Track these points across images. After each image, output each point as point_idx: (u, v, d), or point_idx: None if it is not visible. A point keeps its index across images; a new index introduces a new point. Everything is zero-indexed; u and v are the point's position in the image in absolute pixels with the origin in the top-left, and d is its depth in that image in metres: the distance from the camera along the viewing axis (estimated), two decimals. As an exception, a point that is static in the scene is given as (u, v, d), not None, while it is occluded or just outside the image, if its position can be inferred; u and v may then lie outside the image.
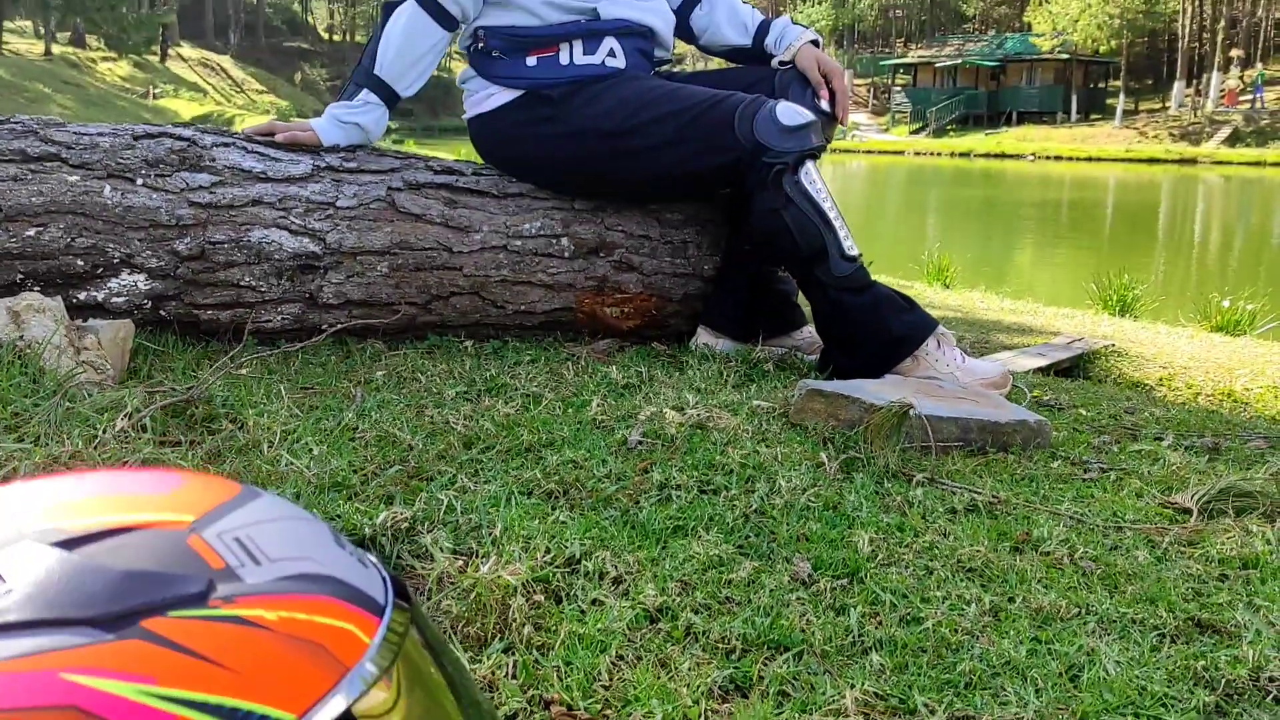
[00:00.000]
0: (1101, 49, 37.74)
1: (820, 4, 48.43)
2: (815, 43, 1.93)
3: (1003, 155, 36.53)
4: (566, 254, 1.86)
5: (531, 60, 1.83)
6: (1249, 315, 5.47)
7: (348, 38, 71.08)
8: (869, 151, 40.06)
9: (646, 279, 1.92)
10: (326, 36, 70.68)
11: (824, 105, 1.85)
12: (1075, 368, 4.58)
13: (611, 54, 1.85)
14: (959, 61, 44.01)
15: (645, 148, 1.79)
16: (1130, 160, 33.42)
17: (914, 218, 17.24)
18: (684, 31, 2.08)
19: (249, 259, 1.66)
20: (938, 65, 44.93)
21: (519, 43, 1.82)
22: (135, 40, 18.55)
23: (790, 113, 1.72)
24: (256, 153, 1.74)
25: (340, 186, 1.74)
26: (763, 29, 1.98)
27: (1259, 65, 39.05)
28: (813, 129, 1.73)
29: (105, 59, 33.82)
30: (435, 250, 1.78)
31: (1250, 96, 36.43)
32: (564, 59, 1.83)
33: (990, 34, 50.49)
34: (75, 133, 1.64)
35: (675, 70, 2.04)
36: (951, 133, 41.86)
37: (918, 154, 38.47)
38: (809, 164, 1.74)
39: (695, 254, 1.96)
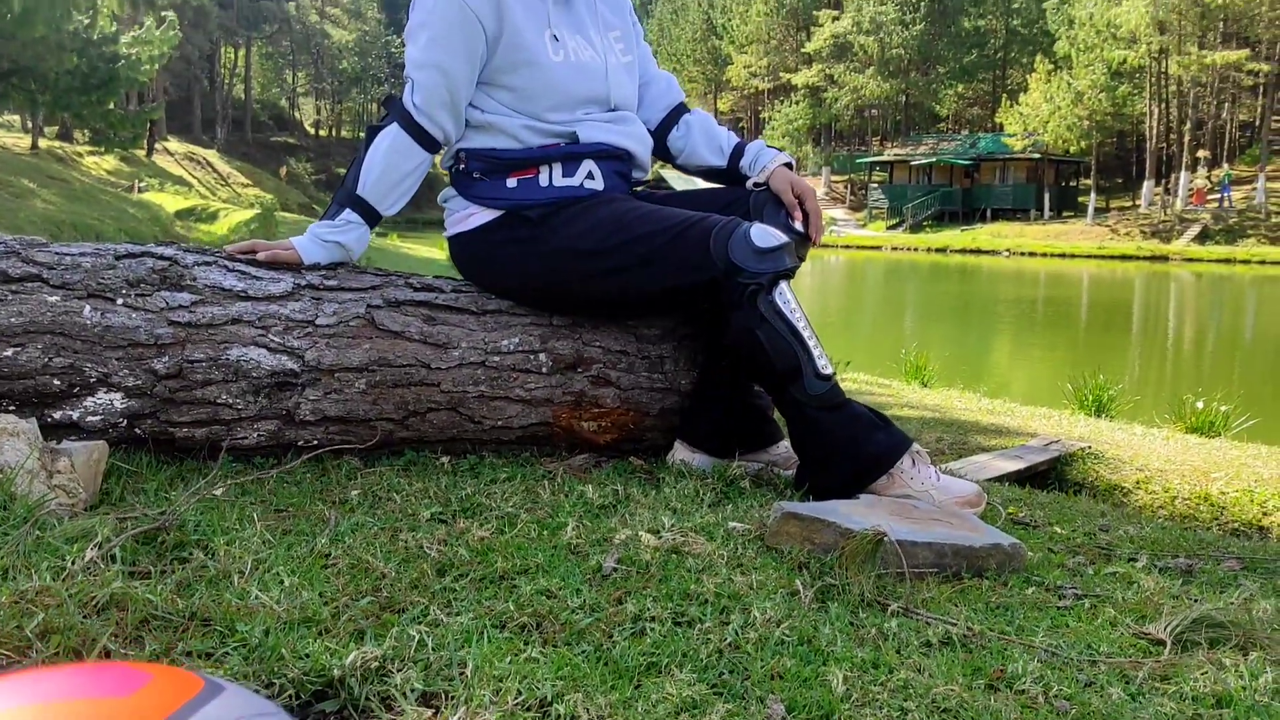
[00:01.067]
0: (1072, 149, 38.76)
1: (798, 104, 49.68)
2: (789, 165, 1.98)
3: (978, 251, 37.20)
4: (544, 369, 1.88)
5: (512, 182, 1.88)
6: (1222, 416, 5.54)
7: (333, 133, 72.28)
8: (847, 246, 40.71)
9: (624, 394, 1.94)
10: (312, 131, 71.84)
11: (798, 226, 1.90)
12: (1052, 470, 4.61)
13: (590, 176, 1.90)
14: (934, 160, 45.09)
15: (623, 267, 1.82)
16: (1103, 257, 34.08)
17: (893, 313, 17.45)
18: (662, 151, 2.14)
19: (226, 377, 1.67)
20: (913, 163, 46.01)
21: (499, 165, 1.87)
22: (123, 136, 18.76)
23: (764, 235, 1.76)
24: (238, 271, 1.76)
25: (320, 304, 1.76)
26: (738, 151, 2.05)
27: (1225, 165, 40.16)
28: (786, 250, 1.77)
29: (92, 153, 34.19)
30: (413, 366, 1.79)
31: (1218, 195, 37.38)
32: (543, 181, 1.88)
33: (964, 133, 51.84)
34: (57, 253, 1.65)
35: (652, 189, 2.09)
36: (928, 229, 42.64)
37: (895, 249, 39.11)
38: (783, 284, 1.78)
39: (672, 369, 1.98)
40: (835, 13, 50.00)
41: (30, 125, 32.21)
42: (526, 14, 1.86)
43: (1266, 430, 5.91)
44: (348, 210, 1.84)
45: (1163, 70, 38.60)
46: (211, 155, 51.44)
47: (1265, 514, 4.01)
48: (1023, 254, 35.85)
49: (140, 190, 28.28)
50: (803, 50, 51.62)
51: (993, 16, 49.07)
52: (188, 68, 49.42)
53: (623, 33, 2.06)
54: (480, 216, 1.90)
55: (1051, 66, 39.11)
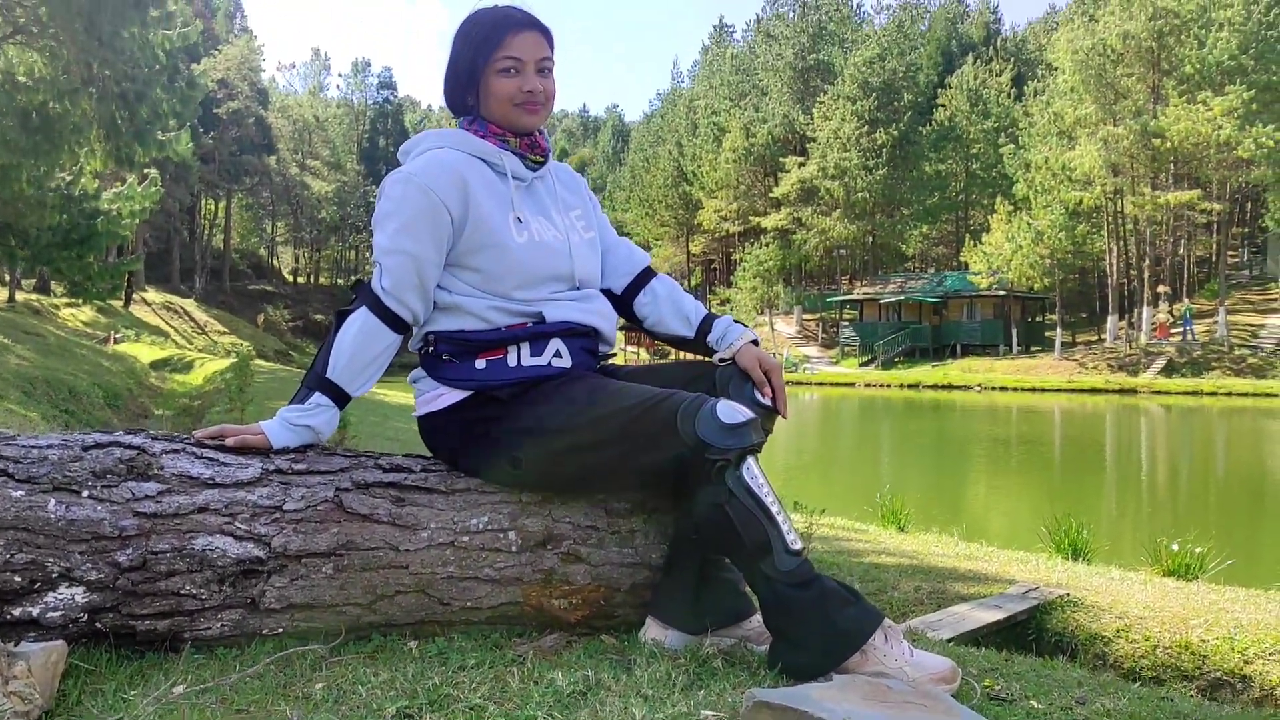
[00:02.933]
0: (1036, 286, 39.72)
1: (768, 245, 50.89)
2: (755, 342, 2.03)
3: (950, 386, 37.61)
4: (513, 548, 1.87)
5: (480, 363, 1.91)
6: (1198, 558, 5.53)
7: (311, 280, 73.16)
8: (821, 384, 41.08)
9: (594, 569, 1.93)
10: (290, 279, 72.72)
11: (765, 400, 1.93)
12: (1032, 619, 4.57)
13: (558, 354, 1.94)
14: (902, 298, 46.03)
15: (591, 444, 1.84)
16: (1073, 390, 34.51)
17: (869, 452, 17.50)
18: (628, 315, 2.19)
19: (191, 567, 1.65)
20: (882, 301, 46.93)
21: (467, 347, 1.91)
22: (101, 288, 18.89)
23: (731, 411, 1.78)
24: (206, 458, 1.76)
25: (288, 489, 1.76)
26: (706, 323, 2.09)
27: (1185, 300, 41.24)
28: (753, 426, 1.79)
29: (69, 304, 34.40)
30: (381, 549, 1.78)
31: (1180, 329, 38.21)
32: (511, 361, 1.91)
33: (931, 271, 53.12)
34: (24, 446, 1.65)
35: (617, 366, 2.12)
36: (899, 365, 43.19)
37: (868, 385, 39.49)
38: (750, 459, 1.80)
39: (642, 542, 1.98)
40: (801, 159, 51.77)
41: (8, 279, 32.44)
42: (490, 198, 1.93)
43: (1243, 571, 5.90)
44: (317, 394, 1.87)
45: (1119, 210, 39.99)
46: (189, 304, 51.85)
47: (1246, 662, 3.98)
48: (994, 389, 36.26)
49: (116, 341, 28.32)
50: (771, 195, 53.19)
51: (953, 161, 50.95)
52: (168, 220, 50.23)
53: (582, 210, 2.13)
54: (449, 397, 1.93)
55: (1011, 207, 40.47)
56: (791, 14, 60.86)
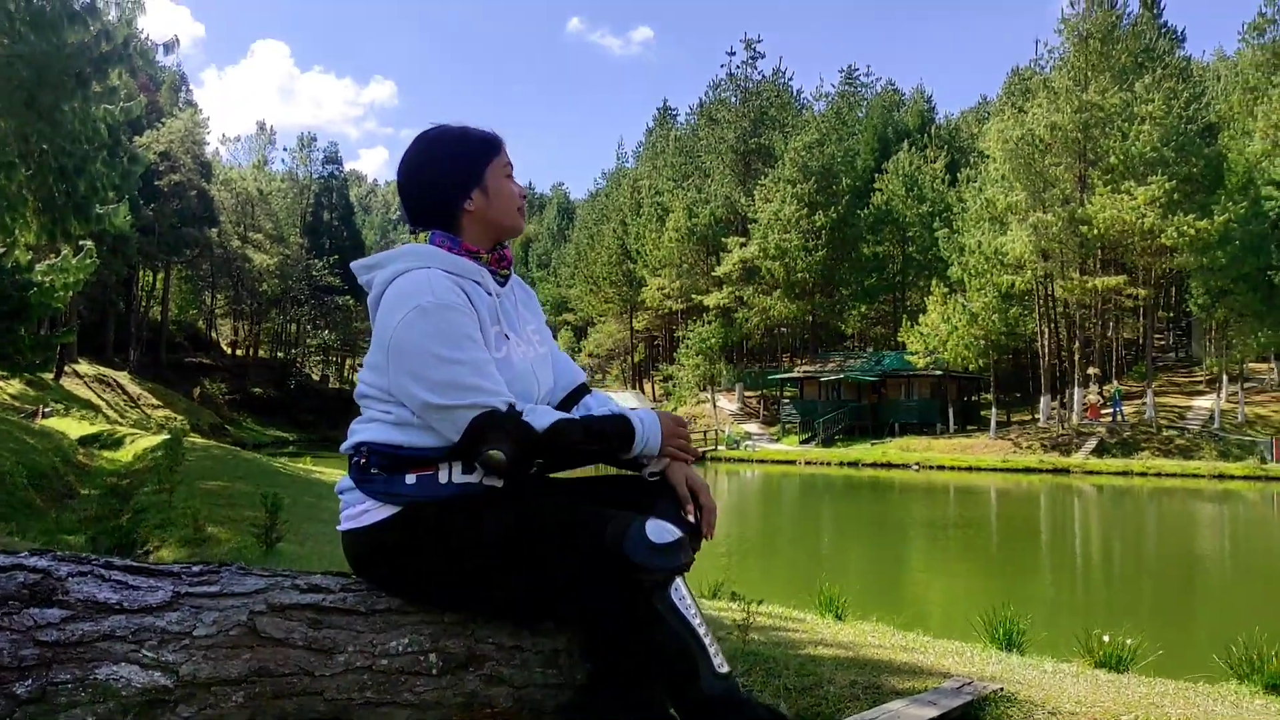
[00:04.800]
0: (971, 366, 40.46)
1: (710, 323, 51.35)
2: None
3: (889, 465, 37.96)
4: (434, 670, 1.83)
5: (410, 478, 1.87)
6: (1129, 650, 5.58)
7: (250, 353, 72.10)
8: (762, 461, 41.24)
9: (517, 692, 1.89)
10: (229, 351, 71.62)
11: (691, 519, 1.92)
12: (966, 716, 4.56)
13: (489, 473, 1.91)
14: (841, 376, 46.59)
15: (518, 565, 1.81)
16: (1008, 470, 35.01)
17: (809, 534, 17.50)
18: None
19: (93, 698, 1.59)
20: (822, 379, 47.47)
21: (399, 462, 1.87)
22: (31, 361, 18.44)
23: (660, 531, 1.77)
24: (114, 581, 1.71)
25: (199, 614, 1.71)
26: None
27: (1115, 382, 42.22)
28: (682, 547, 1.78)
29: (-3, 377, 33.48)
30: (296, 675, 1.73)
31: (1111, 410, 39.09)
32: (443, 477, 1.88)
33: (869, 350, 53.94)
34: (-80, 574, 1.59)
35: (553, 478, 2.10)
36: (839, 443, 43.55)
37: (809, 463, 39.71)
38: (679, 580, 1.78)
39: (567, 662, 1.94)
40: (742, 239, 52.62)
41: (-68, 350, 31.52)
42: (486, 312, 1.92)
43: (1173, 656, 5.97)
44: None
45: (1049, 293, 41.11)
46: (122, 377, 50.77)
47: (1177, 760, 3.99)
48: (932, 467, 36.68)
49: (45, 416, 27.57)
50: (713, 273, 53.87)
51: (890, 243, 52.15)
52: (104, 291, 49.37)
53: (536, 325, 2.12)
54: (376, 513, 1.88)
55: (946, 289, 41.38)
56: (734, 99, 62.38)
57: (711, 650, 1.76)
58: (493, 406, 1.81)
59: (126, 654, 1.63)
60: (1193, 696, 4.79)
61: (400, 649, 1.82)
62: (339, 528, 1.97)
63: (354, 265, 2.01)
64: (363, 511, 1.90)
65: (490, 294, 1.96)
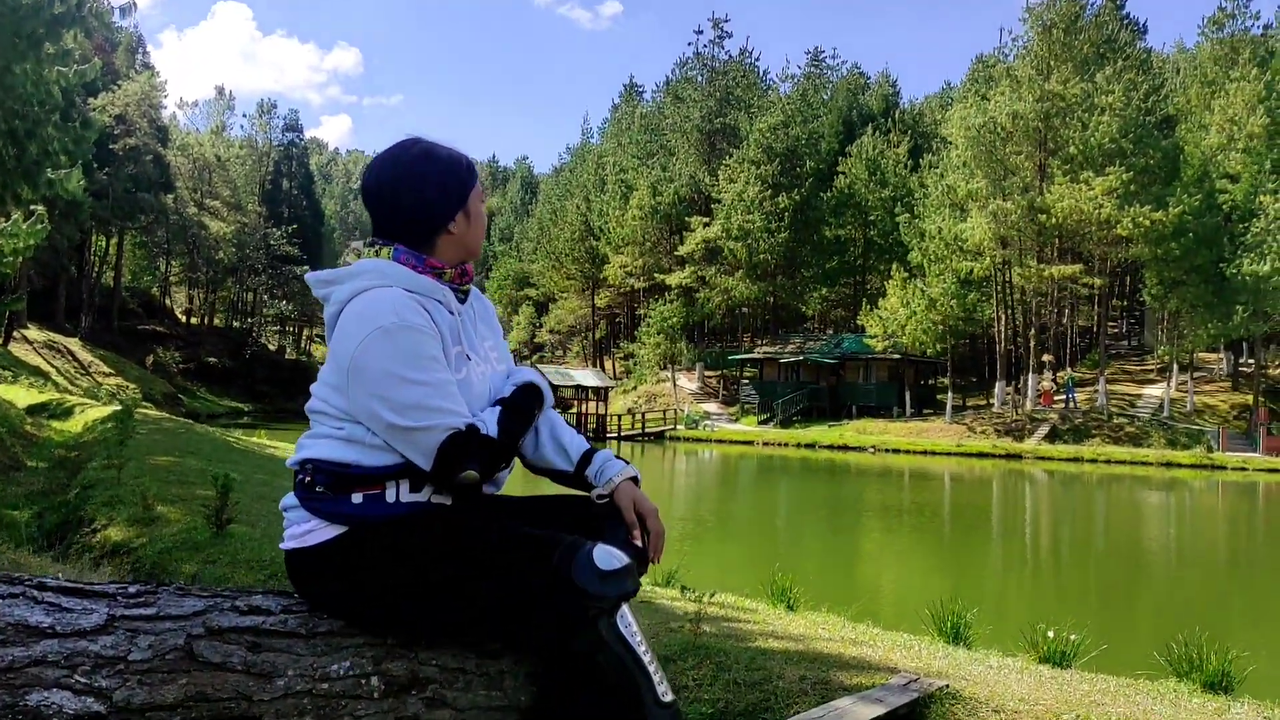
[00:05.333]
0: (929, 350, 40.85)
1: (672, 302, 51.38)
2: (635, 479, 2.01)
3: (845, 447, 38.34)
4: (375, 694, 1.81)
5: (357, 497, 1.84)
6: (1073, 645, 5.68)
7: (205, 321, 71.11)
8: (721, 441, 41.45)
9: (460, 715, 1.87)
10: (184, 320, 70.56)
11: (637, 543, 1.91)
12: (913, 713, 4.62)
13: (437, 491, 1.89)
14: (801, 358, 46.89)
15: (463, 588, 1.79)
16: (962, 455, 35.48)
17: (765, 517, 17.62)
18: None
19: (23, 726, 1.55)
20: (782, 361, 47.75)
21: (345, 480, 1.84)
22: (-23, 329, 18.10)
23: (607, 557, 1.76)
24: (47, 603, 1.66)
25: (135, 638, 1.67)
26: (585, 457, 2.06)
27: (1069, 369, 42.87)
28: (628, 573, 1.77)
29: (-57, 345, 32.77)
30: (234, 700, 1.70)
31: (1064, 397, 39.70)
32: (390, 497, 1.85)
33: (829, 333, 54.29)
34: None
35: (503, 496, 2.07)
36: (797, 424, 43.86)
37: (766, 444, 39.98)
38: (624, 607, 1.78)
39: (511, 684, 1.93)
40: (706, 219, 52.65)
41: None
42: (448, 332, 1.89)
43: (1115, 657, 6.09)
44: None
45: (1007, 280, 41.55)
46: (73, 344, 49.90)
47: (1115, 762, 4.07)
48: (887, 450, 37.08)
49: (-10, 383, 27.03)
50: (676, 253, 53.87)
51: (852, 227, 52.42)
52: (55, 257, 48.37)
53: (494, 341, 2.09)
54: (321, 533, 1.85)
55: (906, 274, 41.71)
56: (700, 78, 62.22)
57: (656, 678, 1.76)
58: (458, 427, 1.80)
59: (59, 680, 1.59)
60: (1133, 695, 4.88)
61: (341, 672, 1.80)
62: (282, 545, 1.93)
63: (309, 278, 1.96)
64: (307, 531, 1.87)
65: (452, 313, 1.93)
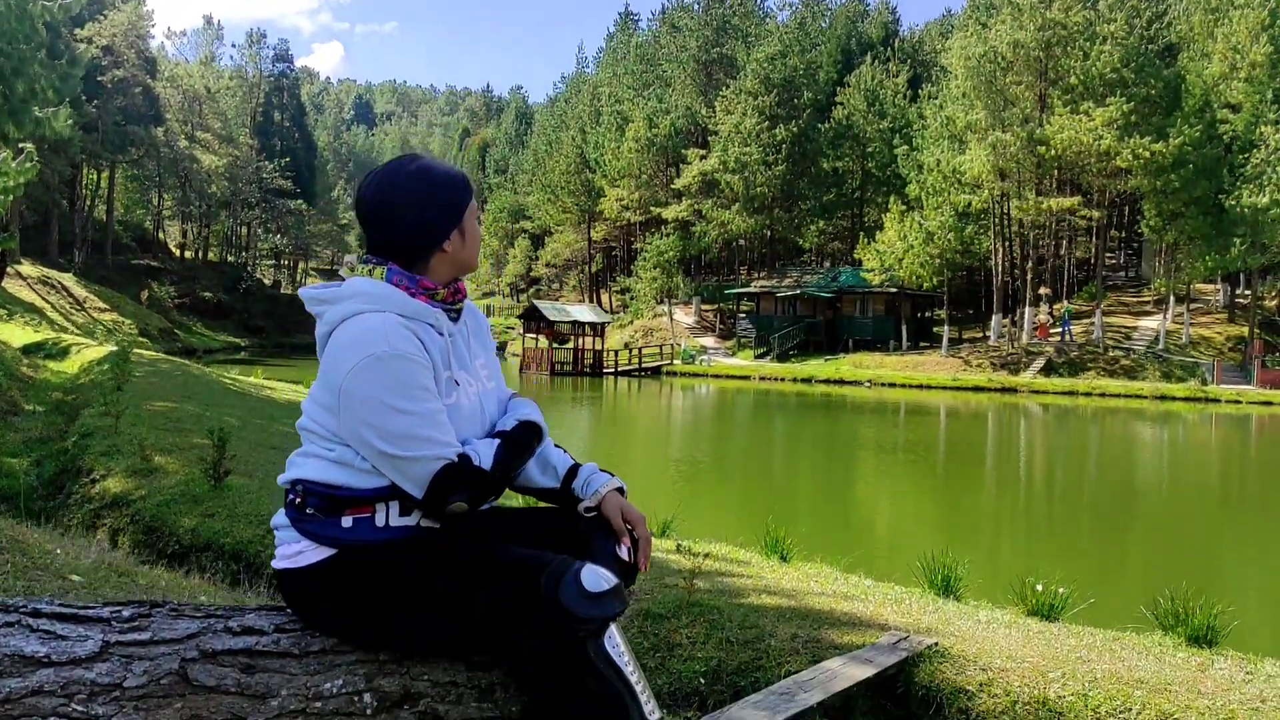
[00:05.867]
0: (925, 285, 40.76)
1: (668, 236, 51.12)
2: (621, 490, 2.02)
3: (841, 381, 38.46)
4: (369, 710, 1.84)
5: (347, 520, 1.86)
6: (1061, 599, 5.77)
7: (200, 255, 70.73)
8: (717, 376, 41.56)
9: (452, 726, 1.91)
10: (178, 253, 70.15)
11: (624, 554, 1.93)
12: (901, 673, 4.71)
13: (425, 515, 1.90)
14: (798, 292, 46.79)
15: (453, 609, 1.82)
16: (958, 388, 35.61)
17: (760, 461, 17.73)
18: None
19: (22, 756, 1.59)
20: (779, 295, 47.67)
21: (336, 502, 1.85)
22: (-31, 267, 18.03)
23: (595, 578, 1.78)
24: (42, 631, 1.68)
25: (130, 664, 1.70)
26: (571, 472, 2.07)
27: (1065, 301, 42.83)
28: (616, 594, 1.79)
29: (-66, 280, 32.62)
30: (229, 722, 1.73)
31: (1060, 330, 39.74)
32: (379, 520, 1.87)
33: (826, 266, 54.11)
34: None
35: (496, 508, 2.08)
36: (794, 358, 43.96)
37: (763, 379, 40.09)
38: (612, 627, 1.80)
39: (503, 696, 1.97)
40: (702, 152, 52.13)
41: None
42: (439, 357, 1.89)
43: (1102, 608, 6.19)
44: None
45: (1005, 213, 41.30)
46: (67, 279, 49.65)
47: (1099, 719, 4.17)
48: (883, 384, 37.21)
49: (-15, 322, 26.98)
50: (672, 186, 53.44)
51: (850, 159, 51.92)
52: (46, 192, 47.96)
53: (486, 359, 2.09)
54: (312, 555, 1.87)
55: (904, 206, 41.44)
56: (696, 6, 61.15)
57: (644, 698, 1.79)
58: (448, 458, 1.81)
59: (55, 709, 1.62)
60: (1119, 650, 4.97)
61: (335, 690, 1.83)
62: (274, 565, 1.95)
63: (303, 293, 1.95)
64: (298, 552, 1.89)
65: (443, 335, 1.93)
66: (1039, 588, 5.82)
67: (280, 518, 1.93)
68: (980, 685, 4.54)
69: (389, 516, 1.87)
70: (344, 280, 1.94)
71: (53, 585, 3.08)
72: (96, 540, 5.68)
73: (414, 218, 1.93)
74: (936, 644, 4.89)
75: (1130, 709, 4.12)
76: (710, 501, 12.49)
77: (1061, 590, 5.86)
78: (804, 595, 5.83)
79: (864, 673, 4.48)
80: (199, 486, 7.52)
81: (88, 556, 4.00)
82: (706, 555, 6.37)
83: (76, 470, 9.00)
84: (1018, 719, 4.35)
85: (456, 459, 1.82)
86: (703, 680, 4.43)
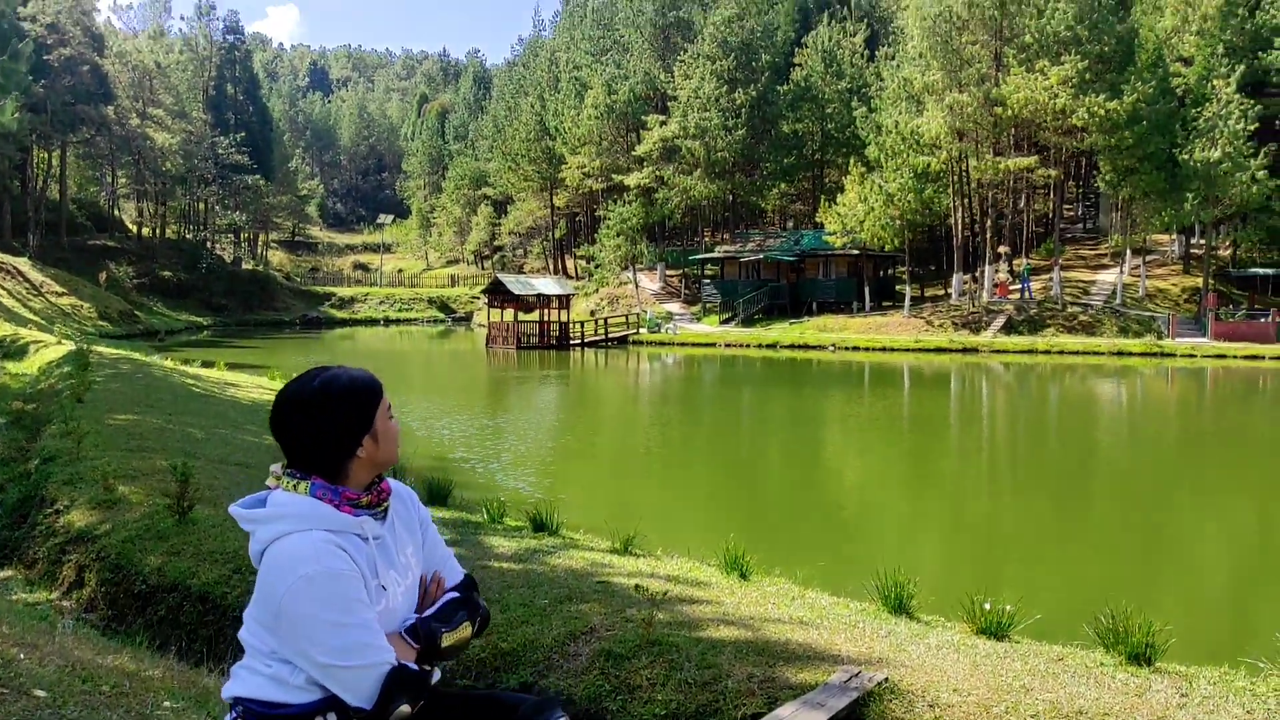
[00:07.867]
0: (887, 246, 41.00)
1: (631, 203, 50.95)
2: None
3: (806, 346, 38.74)
4: None
5: None
6: (1009, 616, 5.99)
7: (157, 233, 69.66)
8: (683, 344, 41.71)
9: None
10: (135, 231, 69.08)
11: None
12: (853, 715, 4.90)
13: None
14: (761, 256, 46.90)
15: None
16: (920, 350, 35.99)
17: (725, 440, 17.90)
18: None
19: None
20: (742, 259, 47.75)
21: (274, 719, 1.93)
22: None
23: None
24: None
25: None
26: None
27: (1024, 258, 43.25)
28: None
29: (-117, 275, 31.99)
30: None
31: (1019, 287, 40.18)
32: None
33: (789, 229, 54.21)
34: None
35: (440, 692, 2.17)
36: (759, 322, 44.17)
37: (729, 345, 40.28)
38: None
39: None
40: (662, 118, 51.89)
41: None
42: (367, 567, 1.97)
43: (1050, 621, 6.43)
44: None
45: (964, 172, 41.53)
46: (22, 263, 48.82)
47: (1040, 757, 4.37)
48: (847, 348, 37.54)
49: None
50: (633, 152, 53.20)
51: (809, 121, 51.86)
52: (-5, 177, 46.92)
53: (414, 546, 2.16)
54: (258, 770, 1.95)
55: (864, 168, 41.54)
56: (651, -32, 60.53)
57: None
58: (391, 664, 1.90)
59: None
60: (1061, 674, 5.18)
61: None
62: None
63: (233, 511, 2.01)
64: (246, 768, 1.96)
65: (368, 540, 2.01)
66: (987, 606, 6.03)
67: None
68: (924, 725, 4.75)
69: None
70: (271, 489, 2.01)
71: (16, 708, 3.16)
72: (61, 624, 5.72)
73: (323, 434, 2.00)
74: (886, 679, 5.08)
75: (1067, 750, 4.33)
76: (677, 494, 12.67)
77: (1009, 608, 6.08)
78: (761, 624, 6.00)
79: (817, 718, 4.67)
80: (163, 521, 7.54)
81: (50, 649, 4.07)
82: (668, 578, 6.52)
83: (40, 499, 9.00)
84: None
85: (397, 664, 1.91)
86: (662, 726, 4.59)
